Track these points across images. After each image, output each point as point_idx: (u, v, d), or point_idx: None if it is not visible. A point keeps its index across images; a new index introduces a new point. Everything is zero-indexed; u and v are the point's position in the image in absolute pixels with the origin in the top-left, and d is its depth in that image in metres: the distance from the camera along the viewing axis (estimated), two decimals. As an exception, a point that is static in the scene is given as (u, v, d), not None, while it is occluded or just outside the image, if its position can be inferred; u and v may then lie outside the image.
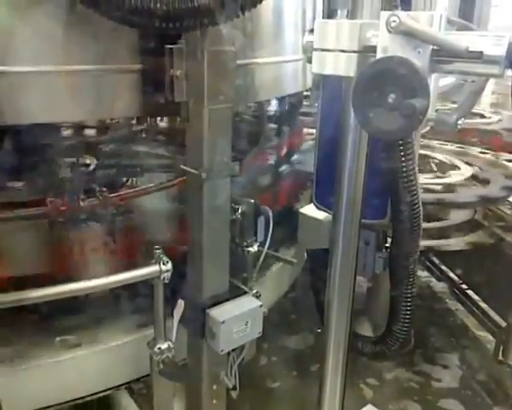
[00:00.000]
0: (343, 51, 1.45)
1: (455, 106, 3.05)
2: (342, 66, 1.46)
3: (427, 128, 3.71)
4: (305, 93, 3.13)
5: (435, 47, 1.34)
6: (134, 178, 2.54)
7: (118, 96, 1.69)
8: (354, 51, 1.44)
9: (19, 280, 1.78)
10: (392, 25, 1.30)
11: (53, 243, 1.93)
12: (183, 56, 1.63)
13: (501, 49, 1.29)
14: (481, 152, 4.17)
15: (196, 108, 1.66)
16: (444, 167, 3.85)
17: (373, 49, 1.39)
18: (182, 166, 1.76)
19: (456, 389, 2.99)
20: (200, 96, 1.62)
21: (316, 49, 1.49)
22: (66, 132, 3.17)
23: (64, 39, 1.54)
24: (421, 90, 1.30)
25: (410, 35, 1.31)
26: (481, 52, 1.29)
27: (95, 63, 1.60)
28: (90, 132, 3.30)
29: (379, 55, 1.37)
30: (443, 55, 1.35)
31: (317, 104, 2.19)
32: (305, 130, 3.70)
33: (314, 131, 2.28)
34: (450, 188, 3.29)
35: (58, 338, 1.95)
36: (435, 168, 3.86)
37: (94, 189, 2.07)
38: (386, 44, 1.36)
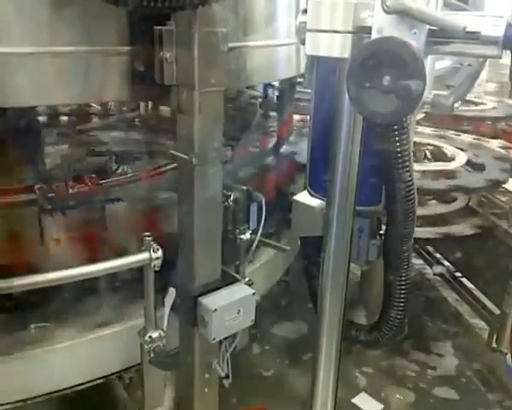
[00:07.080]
0: (337, 32, 1.41)
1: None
2: (336, 47, 1.43)
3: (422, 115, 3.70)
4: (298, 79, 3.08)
5: (431, 28, 1.31)
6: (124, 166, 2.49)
7: (106, 79, 1.64)
8: (349, 32, 1.40)
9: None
10: (388, 3, 1.26)
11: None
12: (173, 38, 1.59)
13: (499, 29, 1.27)
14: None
15: (187, 92, 1.62)
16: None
17: (368, 29, 1.36)
18: (172, 152, 1.72)
19: (451, 376, 2.99)
20: (191, 79, 1.58)
21: (309, 30, 1.45)
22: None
23: (49, 19, 1.49)
24: (417, 71, 1.27)
25: (406, 14, 1.27)
26: (479, 33, 1.27)
27: (81, 44, 1.55)
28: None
29: (374, 35, 1.34)
30: (439, 36, 1.32)
31: (309, 90, 2.15)
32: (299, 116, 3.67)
33: (307, 117, 2.24)
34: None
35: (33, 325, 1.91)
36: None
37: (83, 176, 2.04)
38: (381, 25, 1.33)
